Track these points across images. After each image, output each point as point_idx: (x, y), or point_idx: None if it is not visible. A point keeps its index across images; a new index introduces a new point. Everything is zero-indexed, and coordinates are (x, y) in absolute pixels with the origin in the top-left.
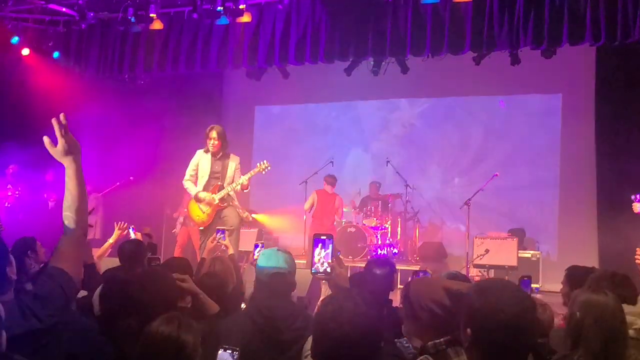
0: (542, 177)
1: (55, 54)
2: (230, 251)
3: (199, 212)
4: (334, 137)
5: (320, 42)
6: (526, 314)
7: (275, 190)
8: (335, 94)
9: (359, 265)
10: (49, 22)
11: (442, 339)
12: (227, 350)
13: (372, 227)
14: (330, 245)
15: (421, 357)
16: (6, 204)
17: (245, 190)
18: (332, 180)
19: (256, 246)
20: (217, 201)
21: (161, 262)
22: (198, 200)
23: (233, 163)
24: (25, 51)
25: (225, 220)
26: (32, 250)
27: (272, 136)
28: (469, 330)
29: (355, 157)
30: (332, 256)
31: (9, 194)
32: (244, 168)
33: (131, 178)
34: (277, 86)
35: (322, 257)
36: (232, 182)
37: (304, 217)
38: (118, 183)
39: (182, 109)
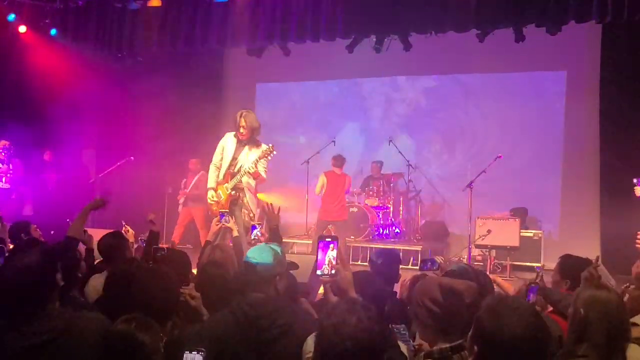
0: (545, 156)
1: (53, 31)
2: (235, 233)
3: (212, 202)
4: (336, 115)
5: (321, 19)
6: (537, 340)
7: (277, 168)
8: (337, 71)
9: (362, 245)
10: None
11: (447, 345)
12: (193, 352)
13: (374, 207)
14: (336, 248)
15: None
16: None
17: (257, 178)
18: (339, 161)
19: (253, 227)
20: (229, 190)
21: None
22: (210, 196)
23: (257, 152)
24: (22, 28)
25: (236, 216)
26: (25, 233)
27: (273, 114)
28: (475, 347)
29: (357, 136)
30: (337, 258)
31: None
32: None
33: (132, 158)
34: (278, 63)
35: (327, 260)
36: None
37: (306, 196)
38: (119, 163)
39: (183, 87)
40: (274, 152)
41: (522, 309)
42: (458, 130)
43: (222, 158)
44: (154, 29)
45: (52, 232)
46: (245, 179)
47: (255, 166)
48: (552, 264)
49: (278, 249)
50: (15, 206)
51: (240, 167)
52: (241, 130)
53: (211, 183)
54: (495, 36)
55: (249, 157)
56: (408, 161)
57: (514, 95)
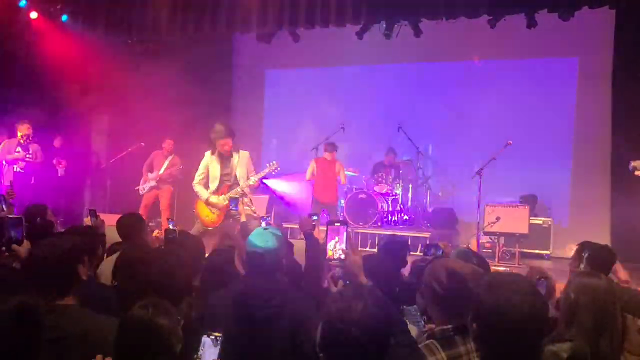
0: (555, 142)
1: (64, 17)
2: (243, 218)
3: (208, 213)
4: (345, 102)
5: (331, 5)
6: (535, 316)
7: (286, 155)
8: (346, 57)
9: (370, 231)
10: None
11: (449, 326)
12: (211, 337)
13: (382, 194)
14: (345, 232)
15: (427, 342)
16: (17, 168)
17: (256, 188)
18: (330, 147)
19: (263, 219)
20: (227, 201)
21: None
22: (209, 204)
23: (242, 160)
24: (34, 14)
25: (237, 218)
26: (41, 217)
27: (282, 100)
28: (475, 324)
29: (366, 122)
30: (346, 242)
31: (20, 157)
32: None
33: (142, 144)
34: (287, 50)
35: (336, 244)
36: (246, 178)
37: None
38: (129, 149)
39: (192, 73)
40: (278, 168)
41: (521, 285)
42: (468, 117)
43: (205, 176)
44: (164, 14)
45: (59, 220)
46: (246, 189)
47: (257, 181)
48: (561, 252)
49: (278, 232)
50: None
51: (237, 178)
52: (225, 146)
53: (204, 195)
54: (506, 22)
55: (239, 167)
56: (417, 148)
57: (525, 81)
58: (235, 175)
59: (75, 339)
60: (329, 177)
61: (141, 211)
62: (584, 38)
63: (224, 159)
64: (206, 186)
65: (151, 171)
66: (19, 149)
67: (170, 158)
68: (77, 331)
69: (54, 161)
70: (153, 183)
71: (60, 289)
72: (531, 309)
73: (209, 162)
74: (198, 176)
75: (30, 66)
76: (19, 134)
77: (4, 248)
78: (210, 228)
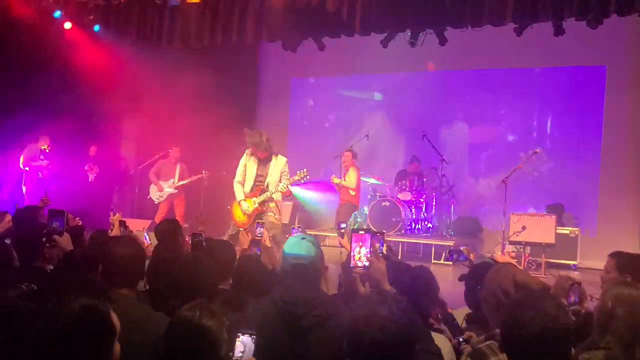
0: (583, 151)
1: (96, 27)
2: (267, 243)
3: (241, 214)
4: (370, 109)
5: (356, 14)
6: (560, 334)
7: (310, 162)
8: (371, 65)
9: (394, 239)
10: None
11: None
12: (245, 335)
13: (406, 201)
14: (369, 240)
15: (488, 342)
16: (40, 175)
17: (287, 196)
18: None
19: (293, 230)
20: (257, 204)
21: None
22: (240, 206)
23: (278, 165)
24: (68, 25)
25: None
26: (37, 219)
27: (307, 108)
28: (501, 335)
29: (390, 130)
30: (371, 250)
31: (43, 165)
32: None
33: (170, 150)
34: (313, 58)
35: (360, 253)
36: (277, 184)
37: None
38: (157, 155)
39: (220, 80)
40: (308, 177)
41: (549, 303)
42: (493, 125)
43: (244, 176)
44: (193, 24)
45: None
46: (276, 195)
47: (287, 187)
48: (588, 262)
49: (314, 240)
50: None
51: (268, 183)
52: (255, 152)
53: (240, 196)
54: (533, 29)
55: (273, 172)
56: (441, 156)
57: (552, 89)
58: (268, 180)
59: (127, 324)
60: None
61: (157, 220)
62: (613, 45)
63: (261, 160)
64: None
65: (159, 179)
66: (42, 157)
67: (179, 166)
68: (131, 318)
69: (86, 167)
70: (171, 190)
71: (132, 282)
72: (555, 325)
73: (247, 161)
74: (238, 175)
75: (64, 75)
76: (44, 145)
77: (44, 239)
78: (241, 229)
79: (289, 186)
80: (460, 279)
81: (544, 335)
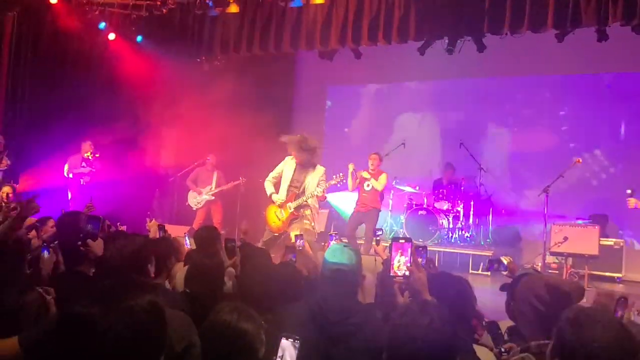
0: (628, 160)
1: (139, 38)
2: (309, 251)
3: (275, 219)
4: (407, 117)
5: (393, 22)
6: (623, 352)
7: (346, 170)
8: (408, 73)
9: (431, 249)
10: (132, 7)
11: (547, 341)
12: (289, 339)
13: (443, 210)
14: (409, 249)
15: (523, 355)
16: (82, 182)
17: (322, 201)
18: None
19: (331, 237)
20: (292, 209)
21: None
22: (272, 201)
23: (316, 174)
24: (111, 36)
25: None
26: (76, 226)
27: (344, 116)
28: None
29: (427, 138)
30: (411, 259)
31: (85, 172)
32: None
33: (208, 158)
34: (349, 66)
35: (400, 262)
36: (313, 189)
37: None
38: (196, 163)
39: (257, 88)
40: (344, 181)
41: (605, 320)
42: (534, 133)
43: (277, 179)
44: (232, 34)
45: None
46: (311, 200)
47: (323, 191)
48: (634, 275)
49: (354, 249)
50: (100, 202)
51: (304, 188)
52: (298, 156)
53: (271, 189)
54: (575, 35)
55: (312, 179)
56: (479, 164)
57: (594, 96)
58: (304, 186)
59: None
60: None
61: (196, 226)
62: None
63: (301, 166)
64: (276, 187)
65: (197, 186)
66: (84, 164)
67: (215, 173)
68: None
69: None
70: (208, 197)
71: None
72: (619, 346)
73: (286, 164)
74: (271, 175)
75: (108, 84)
76: (86, 153)
77: (79, 243)
78: (276, 234)
79: (325, 191)
80: (501, 289)
81: (611, 350)
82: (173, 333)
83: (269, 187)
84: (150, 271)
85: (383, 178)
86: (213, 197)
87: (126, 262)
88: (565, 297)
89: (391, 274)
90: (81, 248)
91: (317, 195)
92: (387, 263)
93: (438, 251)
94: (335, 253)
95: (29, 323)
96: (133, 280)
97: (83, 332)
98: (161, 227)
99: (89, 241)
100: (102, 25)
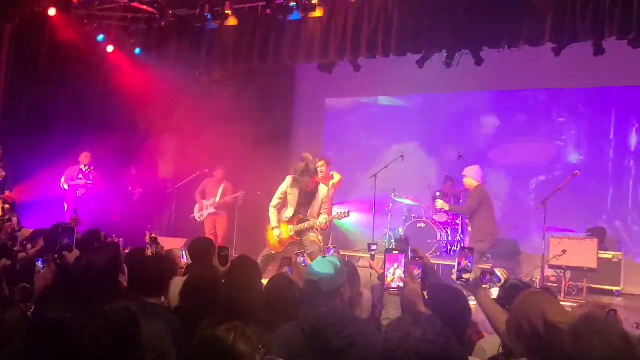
0: (626, 174)
1: (137, 50)
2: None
3: (274, 239)
4: (405, 130)
5: (392, 35)
6: None
7: (345, 183)
8: (406, 86)
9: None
10: (131, 19)
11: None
12: None
13: (442, 223)
14: (404, 260)
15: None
16: (78, 194)
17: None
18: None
19: (329, 250)
20: (293, 232)
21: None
22: (274, 232)
23: (321, 194)
24: (110, 48)
25: (306, 248)
26: (98, 241)
27: (342, 128)
28: None
29: (425, 151)
30: (405, 271)
31: (81, 184)
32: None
33: (206, 170)
34: (348, 79)
35: (395, 275)
36: (317, 215)
37: (373, 209)
38: (194, 175)
39: (255, 101)
40: (349, 217)
41: (607, 331)
42: (531, 145)
43: (283, 200)
44: (230, 47)
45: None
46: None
47: (326, 222)
48: (632, 289)
49: (337, 261)
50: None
51: (309, 214)
52: (307, 183)
53: (274, 223)
54: (572, 49)
55: (316, 200)
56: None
57: (593, 110)
58: (309, 212)
59: None
60: None
61: None
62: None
63: (304, 192)
64: (282, 208)
65: (204, 198)
66: (80, 176)
67: (222, 185)
68: None
69: (129, 188)
70: (212, 210)
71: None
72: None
73: (288, 188)
74: (275, 199)
75: (106, 96)
76: (82, 165)
77: (56, 255)
78: (273, 252)
79: (327, 224)
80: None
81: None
82: (145, 342)
83: (273, 218)
84: (123, 281)
85: (336, 178)
86: (214, 210)
87: (96, 274)
88: (559, 336)
89: (385, 286)
90: (58, 260)
91: (319, 225)
92: (383, 278)
93: (436, 264)
94: (315, 264)
95: (7, 339)
96: (108, 288)
97: (55, 336)
98: (154, 240)
99: (65, 253)
100: (101, 37)
